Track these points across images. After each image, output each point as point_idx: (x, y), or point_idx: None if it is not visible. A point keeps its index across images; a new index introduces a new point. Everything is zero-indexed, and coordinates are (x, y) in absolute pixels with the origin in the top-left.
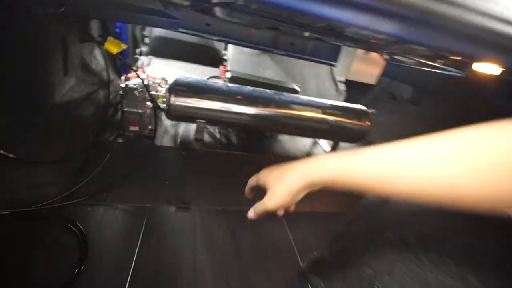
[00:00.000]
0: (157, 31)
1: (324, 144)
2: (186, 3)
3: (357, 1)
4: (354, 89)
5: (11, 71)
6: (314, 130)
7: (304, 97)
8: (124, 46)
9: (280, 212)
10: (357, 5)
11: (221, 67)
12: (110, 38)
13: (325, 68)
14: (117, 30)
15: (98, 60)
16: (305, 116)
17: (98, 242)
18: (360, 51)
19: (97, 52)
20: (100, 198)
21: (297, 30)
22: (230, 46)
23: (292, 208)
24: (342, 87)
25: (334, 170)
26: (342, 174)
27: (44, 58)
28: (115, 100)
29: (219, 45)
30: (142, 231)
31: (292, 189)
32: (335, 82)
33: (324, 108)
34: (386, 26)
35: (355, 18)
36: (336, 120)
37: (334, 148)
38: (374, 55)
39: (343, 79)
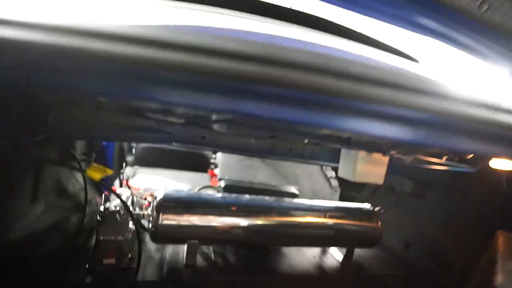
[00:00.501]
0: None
1: (336, 252)
2: (181, 121)
3: (364, 109)
4: (347, 184)
5: None
6: (322, 238)
7: (305, 201)
8: (109, 172)
9: None
10: (364, 113)
11: (210, 171)
12: (93, 165)
13: (316, 166)
14: (104, 144)
15: (76, 179)
16: (310, 223)
17: None
18: (362, 152)
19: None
20: None
21: (296, 137)
22: (219, 156)
23: None
24: (335, 183)
25: None
26: None
27: (7, 184)
28: (90, 225)
29: (209, 153)
30: None
31: None
32: (327, 179)
33: (329, 212)
34: (394, 131)
35: (362, 126)
36: (345, 224)
37: (348, 255)
38: (376, 155)
39: (334, 175)
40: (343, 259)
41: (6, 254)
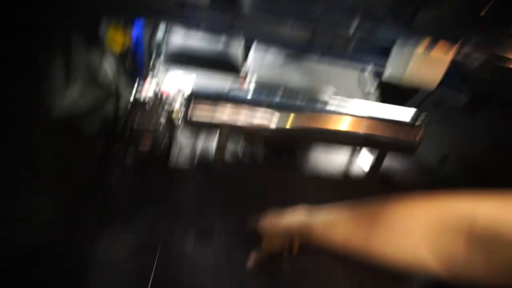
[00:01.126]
0: (174, 40)
1: (364, 161)
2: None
3: None
4: (389, 95)
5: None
6: (354, 136)
7: (340, 101)
8: (128, 42)
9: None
10: None
11: (241, 76)
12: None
13: (354, 74)
14: (134, 40)
15: (106, 70)
16: (343, 128)
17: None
18: (421, 49)
19: (107, 60)
20: (103, 231)
21: (339, 28)
22: (250, 56)
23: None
24: (373, 93)
25: (299, 222)
26: (304, 226)
27: (41, 65)
28: (124, 116)
29: (239, 54)
30: (153, 271)
31: (272, 235)
32: (365, 88)
33: (365, 118)
34: None
35: None
36: (381, 124)
37: (378, 160)
38: (437, 53)
39: (373, 85)
40: (372, 165)
41: (51, 133)
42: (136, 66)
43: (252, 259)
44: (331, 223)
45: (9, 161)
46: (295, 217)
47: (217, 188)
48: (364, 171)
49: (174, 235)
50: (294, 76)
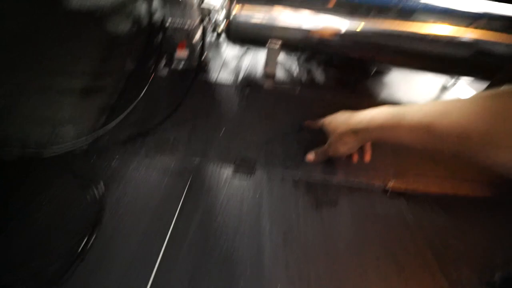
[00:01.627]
0: None
1: (467, 89)
2: None
3: None
4: None
5: None
6: (456, 60)
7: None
8: None
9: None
10: None
11: None
12: None
13: None
14: None
15: None
16: (443, 35)
17: (121, 207)
18: None
19: None
20: (132, 146)
21: None
22: None
23: (355, 159)
24: None
25: (381, 118)
26: (388, 123)
27: None
28: (159, 17)
29: None
30: (183, 197)
31: (341, 134)
32: None
33: (477, 19)
34: None
35: None
36: (498, 42)
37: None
38: None
39: None
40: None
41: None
42: None
43: (314, 153)
44: (441, 113)
45: None
46: (377, 112)
47: (267, 105)
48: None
49: (210, 159)
50: None
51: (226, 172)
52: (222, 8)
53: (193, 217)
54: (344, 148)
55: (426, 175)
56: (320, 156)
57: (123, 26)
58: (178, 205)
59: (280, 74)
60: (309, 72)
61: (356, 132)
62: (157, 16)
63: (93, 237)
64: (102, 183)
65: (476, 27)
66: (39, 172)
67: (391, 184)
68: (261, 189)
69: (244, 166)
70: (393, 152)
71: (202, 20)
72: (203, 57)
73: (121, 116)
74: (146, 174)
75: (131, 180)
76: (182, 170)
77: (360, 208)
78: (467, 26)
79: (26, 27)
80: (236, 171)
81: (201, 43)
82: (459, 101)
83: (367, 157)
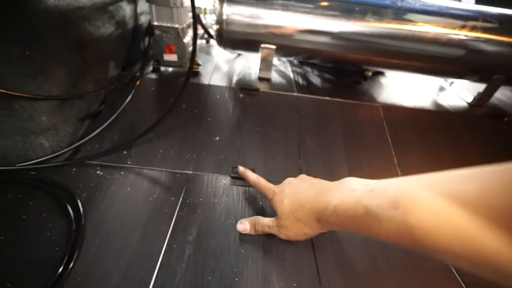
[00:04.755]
0: None
1: (463, 93)
2: None
3: None
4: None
5: None
6: (453, 61)
7: (439, 1)
8: None
9: None
10: None
11: None
12: None
13: None
14: None
15: None
16: (438, 36)
17: (104, 225)
18: None
19: None
20: (117, 158)
21: None
22: None
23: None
24: None
25: (352, 209)
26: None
27: None
28: (148, 23)
29: None
30: (175, 215)
31: (301, 220)
32: None
33: (471, 20)
34: None
35: None
36: (494, 42)
37: (487, 93)
38: None
39: None
40: (476, 98)
41: (53, 22)
42: None
43: (249, 224)
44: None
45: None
46: (346, 195)
47: (263, 111)
48: (465, 102)
49: (203, 170)
50: None
51: (223, 184)
52: (212, 11)
53: (188, 237)
54: (301, 236)
55: None
56: (258, 230)
57: (105, 28)
58: (170, 224)
59: (275, 77)
60: (304, 75)
61: (320, 220)
62: (144, 18)
63: (69, 269)
64: (79, 202)
65: (469, 28)
66: (5, 191)
67: None
68: (262, 199)
69: (241, 178)
70: (398, 159)
71: (191, 24)
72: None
73: (104, 125)
74: (132, 189)
75: (115, 198)
76: (173, 184)
77: None
78: (461, 27)
79: None
80: (233, 183)
81: (191, 47)
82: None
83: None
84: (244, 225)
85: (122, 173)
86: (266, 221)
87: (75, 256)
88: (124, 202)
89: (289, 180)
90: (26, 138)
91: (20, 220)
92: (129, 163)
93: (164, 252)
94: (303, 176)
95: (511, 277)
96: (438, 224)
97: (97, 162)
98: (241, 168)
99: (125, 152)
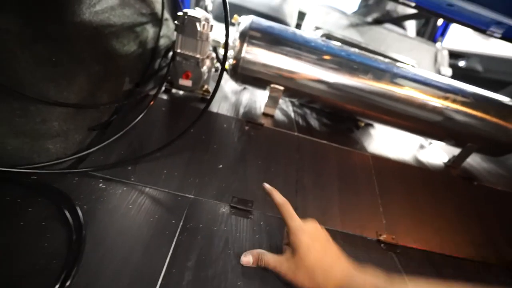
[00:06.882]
0: None
1: (439, 153)
2: None
3: None
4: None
5: None
6: (434, 125)
7: (424, 73)
8: None
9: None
10: None
11: None
12: None
13: (431, 50)
14: None
15: None
16: (424, 102)
17: (106, 239)
18: None
19: None
20: (121, 173)
21: None
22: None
23: None
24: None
25: None
26: None
27: None
28: (165, 46)
29: (290, 19)
30: (176, 237)
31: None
32: (441, 68)
33: (454, 93)
34: None
35: None
36: (471, 115)
37: (461, 156)
38: None
39: (448, 69)
40: (451, 160)
41: (79, 34)
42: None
43: (252, 258)
44: None
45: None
46: (365, 279)
47: (267, 145)
48: (441, 162)
49: (205, 196)
50: (362, 39)
51: (222, 212)
52: (231, 47)
53: (188, 262)
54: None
55: (415, 231)
56: (261, 266)
57: (129, 46)
58: (171, 248)
59: (278, 115)
60: (304, 116)
61: None
62: (167, 42)
63: (69, 283)
64: (80, 213)
65: (451, 100)
66: (3, 194)
67: (383, 236)
68: (259, 231)
69: (241, 207)
70: (384, 208)
71: (210, 55)
72: (205, 90)
73: (114, 137)
74: (134, 207)
75: (116, 213)
76: (175, 206)
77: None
78: (444, 98)
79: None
80: (232, 213)
81: (206, 76)
82: None
83: None
84: (248, 258)
85: (125, 189)
86: (272, 258)
87: (75, 269)
88: (126, 219)
89: (316, 226)
90: (34, 141)
91: (17, 226)
92: (132, 179)
93: (163, 276)
94: (325, 234)
95: None
96: None
97: (100, 175)
98: (267, 186)
99: (129, 167)
